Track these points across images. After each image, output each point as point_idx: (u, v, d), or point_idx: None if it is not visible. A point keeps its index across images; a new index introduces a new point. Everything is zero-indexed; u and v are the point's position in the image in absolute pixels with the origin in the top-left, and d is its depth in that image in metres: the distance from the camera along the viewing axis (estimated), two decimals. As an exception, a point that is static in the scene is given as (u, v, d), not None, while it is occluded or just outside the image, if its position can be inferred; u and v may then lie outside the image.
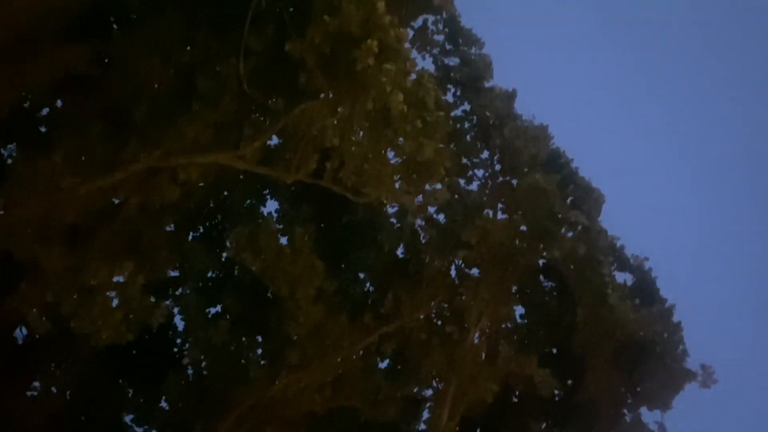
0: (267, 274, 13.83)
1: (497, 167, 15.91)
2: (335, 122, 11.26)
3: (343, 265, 16.38)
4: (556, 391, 15.73)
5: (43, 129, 13.71)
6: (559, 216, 14.37)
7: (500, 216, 15.60)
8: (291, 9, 11.83)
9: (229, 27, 12.15)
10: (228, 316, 17.20)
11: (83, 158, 11.58)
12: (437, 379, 15.36)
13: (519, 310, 17.33)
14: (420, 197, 13.31)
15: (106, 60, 12.33)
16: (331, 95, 11.13)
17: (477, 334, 15.89)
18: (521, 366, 14.44)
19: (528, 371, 14.37)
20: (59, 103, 13.32)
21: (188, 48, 12.45)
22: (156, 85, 12.30)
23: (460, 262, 15.84)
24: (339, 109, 11.03)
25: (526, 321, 16.92)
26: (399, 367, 16.30)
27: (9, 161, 13.95)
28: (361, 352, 14.97)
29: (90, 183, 11.08)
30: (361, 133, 11.70)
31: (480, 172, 16.06)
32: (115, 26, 12.70)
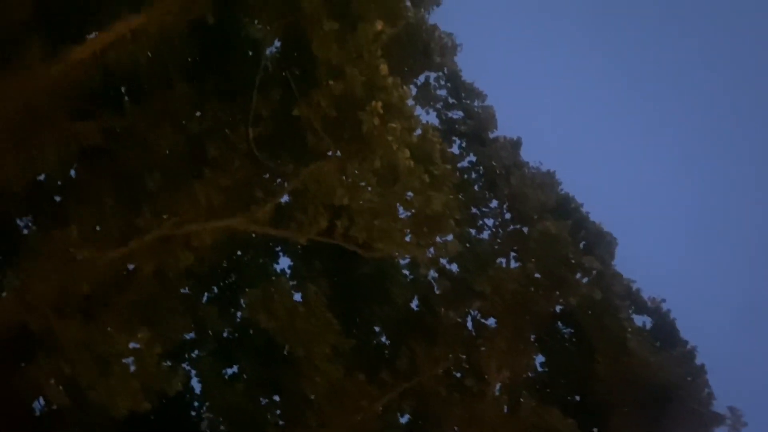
0: (282, 334, 13.83)
1: (507, 216, 15.97)
2: (344, 181, 11.41)
3: (357, 320, 16.36)
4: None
5: (58, 198, 14.05)
6: (573, 262, 14.32)
7: (513, 264, 15.58)
8: (296, 73, 12.18)
9: (237, 94, 12.51)
10: (245, 377, 17.14)
11: (98, 229, 11.78)
12: (459, 434, 15.11)
13: (539, 358, 17.17)
14: (431, 250, 13.33)
15: (118, 131, 12.69)
16: (338, 155, 11.33)
17: (498, 386, 15.66)
18: (545, 417, 14.16)
19: (552, 422, 14.08)
20: (73, 173, 13.68)
21: (198, 116, 12.79)
22: (167, 153, 12.60)
23: (476, 312, 15.76)
24: (347, 169, 11.20)
25: (546, 370, 16.68)
26: (420, 423, 16.07)
27: (26, 232, 14.29)
28: (380, 409, 14.77)
29: (105, 254, 11.24)
30: (370, 189, 11.84)
31: (490, 221, 16.12)
32: (126, 98, 13.10)
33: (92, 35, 11.52)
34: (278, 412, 16.18)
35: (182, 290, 15.72)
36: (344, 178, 11.43)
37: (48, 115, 11.05)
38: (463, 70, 15.32)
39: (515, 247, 15.52)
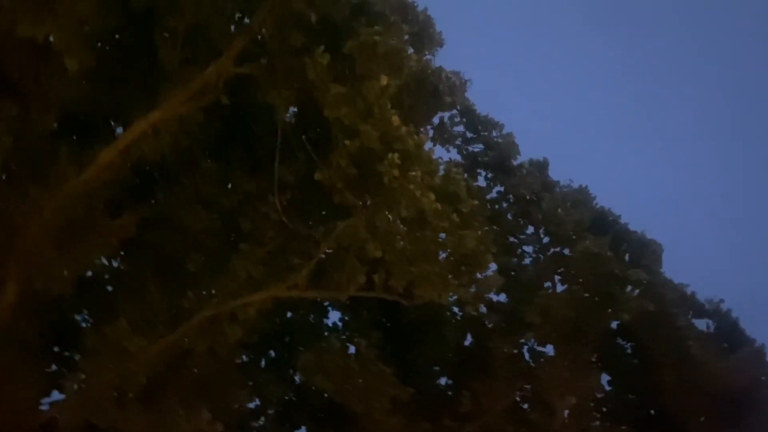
0: (339, 393, 13.84)
1: (545, 240, 15.83)
2: (374, 235, 11.53)
3: (413, 367, 16.28)
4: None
5: (109, 288, 14.53)
6: (619, 277, 14.05)
7: (560, 288, 15.37)
8: (313, 137, 12.46)
9: (261, 165, 12.84)
10: (309, 439, 17.14)
11: (147, 317, 12.13)
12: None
13: (604, 378, 16.75)
14: (473, 287, 13.27)
15: (153, 220, 13.12)
16: (365, 210, 11.48)
17: (565, 413, 15.33)
18: (617, 440, 13.76)
19: (625, 445, 13.67)
20: (117, 264, 14.16)
21: (226, 192, 13.15)
22: (203, 233, 12.94)
23: (532, 342, 15.54)
24: (375, 222, 11.34)
25: (612, 388, 16.26)
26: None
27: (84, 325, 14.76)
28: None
29: (157, 343, 11.55)
30: (400, 238, 11.93)
31: (529, 248, 16.00)
32: (157, 186, 13.57)
33: (117, 134, 12.11)
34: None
35: (238, 361, 15.95)
36: (374, 231, 11.53)
37: (85, 217, 11.52)
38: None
39: (559, 270, 15.34)
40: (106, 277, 14.28)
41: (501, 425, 14.30)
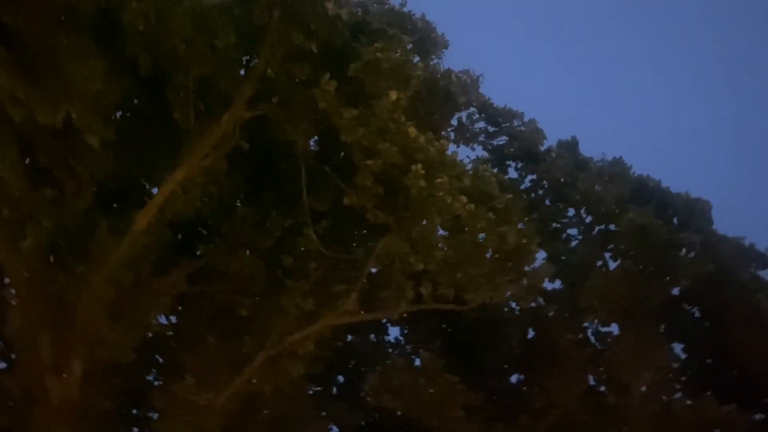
0: (411, 410, 13.80)
1: (588, 219, 15.53)
2: (414, 248, 11.53)
3: (480, 370, 16.12)
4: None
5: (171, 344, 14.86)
6: (670, 242, 13.67)
7: (612, 265, 15.04)
8: (338, 164, 12.57)
9: (292, 201, 12.97)
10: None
11: (210, 368, 12.35)
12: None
13: (677, 347, 16.28)
14: (524, 280, 13.11)
15: (200, 271, 13.39)
16: (399, 226, 11.49)
17: (643, 389, 14.93)
18: (701, 410, 13.30)
19: (710, 413, 13.20)
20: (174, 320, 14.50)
21: (264, 231, 13.32)
22: (248, 276, 13.13)
23: (595, 324, 15.22)
24: (411, 235, 11.33)
25: (687, 356, 15.78)
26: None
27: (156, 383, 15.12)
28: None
29: (223, 393, 11.75)
30: (441, 245, 11.89)
31: (574, 231, 15.72)
32: (198, 236, 13.86)
33: (152, 193, 12.43)
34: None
35: (309, 392, 16.09)
36: (413, 245, 11.53)
37: (134, 282, 11.83)
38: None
39: (608, 247, 15.01)
40: (169, 333, 14.67)
41: (578, 414, 14.01)
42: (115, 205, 12.57)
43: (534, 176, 15.84)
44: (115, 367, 12.25)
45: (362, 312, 12.50)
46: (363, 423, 17.91)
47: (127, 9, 10.42)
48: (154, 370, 15.29)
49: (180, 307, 13.96)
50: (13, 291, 11.69)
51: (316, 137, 12.98)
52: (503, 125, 15.67)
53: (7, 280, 12.52)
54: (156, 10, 10.51)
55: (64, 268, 11.18)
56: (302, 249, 12.52)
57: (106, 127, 10.59)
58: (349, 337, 18.53)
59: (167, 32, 10.58)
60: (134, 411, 15.18)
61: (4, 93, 9.40)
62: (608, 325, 15.32)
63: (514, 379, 16.76)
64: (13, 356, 13.40)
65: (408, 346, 17.71)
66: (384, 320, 18.50)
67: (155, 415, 13.44)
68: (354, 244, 13.44)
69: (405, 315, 17.53)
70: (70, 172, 11.29)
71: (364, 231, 13.31)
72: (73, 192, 11.31)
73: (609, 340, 15.03)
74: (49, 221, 10.86)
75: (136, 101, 12.09)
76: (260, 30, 11.13)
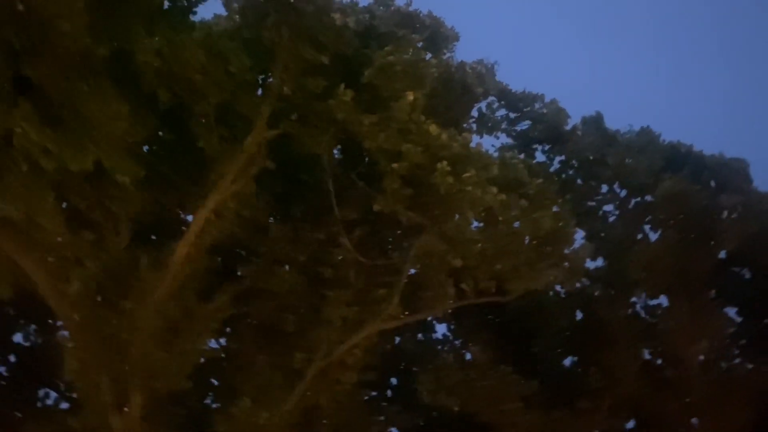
0: (467, 406, 13.77)
1: (622, 194, 15.28)
2: (450, 245, 11.51)
3: (532, 357, 15.99)
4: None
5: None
6: (711, 207, 13.37)
7: (652, 236, 14.78)
8: (364, 171, 12.61)
9: (324, 213, 13.07)
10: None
11: (264, 387, 12.52)
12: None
13: (731, 311, 15.90)
14: (565, 263, 12.97)
15: (243, 293, 13.55)
16: (433, 225, 11.49)
17: (701, 359, 14.63)
18: (764, 372, 12.97)
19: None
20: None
21: (300, 247, 13.44)
22: (291, 293, 13.26)
23: (643, 298, 14.97)
24: (446, 233, 11.31)
25: (742, 320, 15.39)
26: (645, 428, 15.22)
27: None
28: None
29: (280, 409, 11.91)
30: (477, 239, 11.85)
31: (609, 207, 15.49)
32: (237, 258, 14.04)
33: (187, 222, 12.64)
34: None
35: (365, 397, 16.16)
36: (449, 242, 11.51)
37: (181, 311, 12.05)
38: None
39: (647, 219, 14.75)
40: (221, 356, 14.91)
41: (638, 391, 13.79)
42: (153, 237, 12.82)
43: (562, 157, 15.62)
44: (174, 396, 12.50)
45: (406, 314, 12.51)
46: (422, 423, 17.95)
47: (140, 47, 10.64)
48: (211, 394, 15.57)
49: (228, 330, 14.18)
50: (67, 334, 12.04)
51: (339, 147, 13.07)
52: (525, 110, 15.50)
53: (59, 324, 12.95)
54: (168, 44, 10.71)
55: (112, 306, 11.44)
56: (339, 259, 12.60)
57: (134, 165, 10.83)
58: (397, 339, 18.63)
59: (181, 64, 10.78)
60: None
61: (35, 146, 9.67)
62: (656, 297, 15.05)
63: (568, 362, 16.59)
64: (75, 396, 13.82)
65: (457, 342, 17.64)
66: (430, 318, 18.56)
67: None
68: (390, 248, 13.48)
69: (450, 311, 17.59)
70: (106, 213, 11.56)
71: (399, 233, 13.34)
72: (111, 232, 11.58)
73: (659, 312, 14.76)
74: (93, 263, 11.14)
75: (160, 134, 12.31)
76: (271, 50, 11.26)
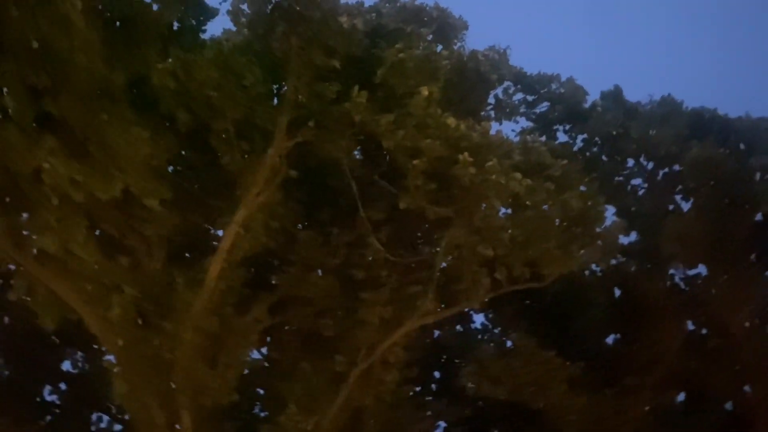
0: (512, 394, 13.71)
1: (649, 166, 15.04)
2: (480, 235, 11.46)
3: (574, 339, 15.84)
4: None
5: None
6: (741, 170, 13.08)
7: (684, 206, 14.52)
8: (386, 170, 12.63)
9: (350, 215, 13.10)
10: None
11: (309, 393, 12.63)
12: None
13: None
14: (599, 242, 12.81)
15: (279, 302, 13.65)
16: (461, 217, 11.45)
17: (746, 324, 14.34)
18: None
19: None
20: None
21: (329, 251, 13.50)
22: (327, 297, 13.33)
23: (681, 270, 14.72)
24: (474, 224, 11.27)
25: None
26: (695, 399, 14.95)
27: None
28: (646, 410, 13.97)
29: (326, 415, 12.00)
30: (506, 226, 11.78)
31: (637, 181, 15.26)
32: (269, 267, 14.14)
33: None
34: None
35: (409, 394, 16.19)
36: (478, 232, 11.46)
37: (220, 325, 12.21)
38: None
39: (677, 189, 14.50)
40: (265, 366, 15.08)
41: (684, 363, 13.57)
42: (187, 255, 12.99)
43: (584, 135, 15.43)
44: (222, 410, 12.68)
45: (443, 308, 12.50)
46: (469, 415, 17.90)
47: (155, 71, 10.80)
48: (258, 404, 15.76)
49: (269, 339, 14.32)
50: (112, 358, 12.28)
51: (359, 149, 13.09)
52: (542, 91, 15.34)
53: (104, 349, 13.21)
54: (181, 65, 10.85)
55: (154, 327, 11.64)
56: (370, 259, 12.62)
57: (161, 187, 11.01)
58: (437, 333, 18.60)
59: (196, 84, 10.92)
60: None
61: (63, 179, 9.89)
62: (695, 267, 14.80)
63: (611, 341, 16.41)
64: (127, 418, 14.12)
65: (496, 330, 17.58)
66: (467, 309, 18.49)
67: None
68: (420, 243, 13.48)
69: (487, 300, 17.51)
70: (138, 237, 11.77)
71: (427, 227, 13.31)
72: (145, 255, 11.79)
73: (699, 282, 14.50)
74: (130, 287, 11.35)
75: (183, 153, 12.47)
76: (283, 59, 11.34)
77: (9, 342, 15.05)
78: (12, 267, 11.78)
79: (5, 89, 10.15)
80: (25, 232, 10.94)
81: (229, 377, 12.37)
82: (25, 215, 10.88)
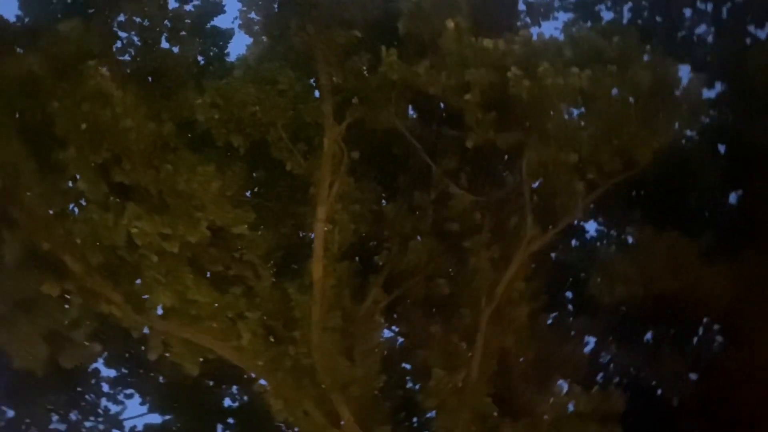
0: (650, 289, 13.23)
1: (709, 8, 13.82)
2: (557, 143, 11.08)
3: (691, 214, 15.00)
4: None
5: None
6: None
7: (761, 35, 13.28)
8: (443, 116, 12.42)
9: (425, 175, 12.93)
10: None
11: (448, 353, 12.72)
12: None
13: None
14: (682, 105, 11.96)
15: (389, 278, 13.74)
16: (529, 133, 11.13)
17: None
18: None
19: None
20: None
21: (417, 214, 13.39)
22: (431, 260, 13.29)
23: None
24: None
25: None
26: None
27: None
28: None
29: (472, 369, 12.09)
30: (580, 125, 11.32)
31: (702, 28, 14.06)
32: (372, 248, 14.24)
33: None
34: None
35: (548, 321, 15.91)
36: (555, 140, 11.07)
37: (342, 320, 12.49)
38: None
39: (748, 19, 13.21)
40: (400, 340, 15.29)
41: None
42: (294, 266, 13.32)
43: (630, 4, 14.44)
44: (375, 395, 12.99)
45: (550, 228, 12.19)
46: (614, 323, 17.39)
47: (197, 108, 11.15)
48: (408, 377, 16.03)
49: (395, 315, 14.52)
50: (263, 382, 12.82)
51: (411, 108, 12.94)
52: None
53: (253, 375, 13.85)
54: (218, 94, 11.14)
55: (284, 340, 12.08)
56: (460, 209, 12.48)
57: (242, 213, 11.41)
58: (553, 255, 18.18)
59: (238, 106, 11.17)
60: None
61: (153, 236, 10.43)
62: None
63: (734, 200, 15.43)
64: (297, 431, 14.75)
65: (612, 232, 16.98)
66: (576, 222, 17.93)
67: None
68: (504, 175, 13.20)
69: (593, 207, 16.90)
70: (241, 264, 12.22)
71: (505, 157, 13.00)
72: (254, 278, 12.22)
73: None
74: (251, 312, 11.82)
75: (254, 174, 12.76)
76: (307, 51, 11.39)
77: (172, 396, 16.13)
78: (146, 331, 12.53)
79: (78, 176, 10.84)
80: (144, 297, 11.62)
81: (369, 364, 12.65)
82: (137, 281, 11.56)
